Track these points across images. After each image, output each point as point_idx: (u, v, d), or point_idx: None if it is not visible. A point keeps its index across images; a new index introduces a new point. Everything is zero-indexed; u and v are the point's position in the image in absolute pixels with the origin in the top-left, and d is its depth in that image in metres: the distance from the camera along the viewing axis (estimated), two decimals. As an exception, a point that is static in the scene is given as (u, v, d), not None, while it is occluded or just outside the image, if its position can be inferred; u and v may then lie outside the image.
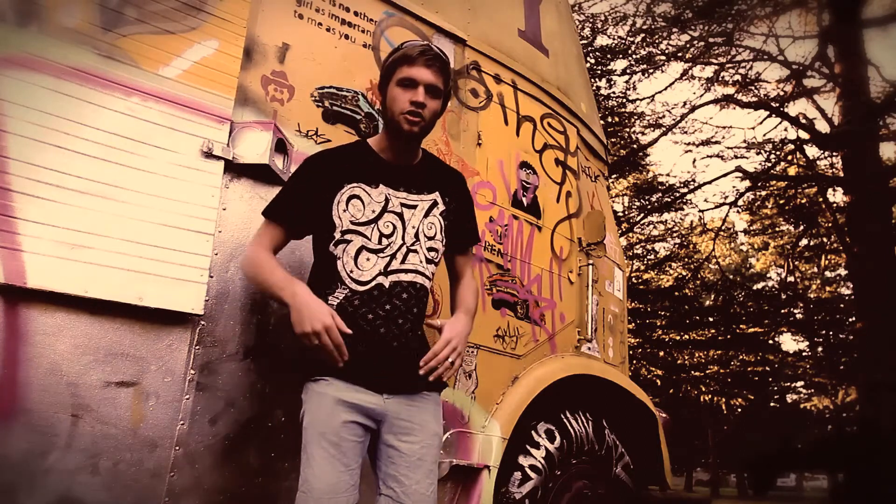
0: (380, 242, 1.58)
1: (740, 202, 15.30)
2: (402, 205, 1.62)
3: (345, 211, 1.58)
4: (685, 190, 14.94)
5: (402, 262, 1.58)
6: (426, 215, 1.65)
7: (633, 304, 15.43)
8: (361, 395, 1.51)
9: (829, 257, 17.71)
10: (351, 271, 1.55)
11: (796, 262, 17.84)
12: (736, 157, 14.48)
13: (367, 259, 1.56)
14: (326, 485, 1.42)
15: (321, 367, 1.52)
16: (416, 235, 1.62)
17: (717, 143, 14.64)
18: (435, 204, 1.67)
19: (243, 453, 1.74)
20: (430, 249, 1.63)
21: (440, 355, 1.55)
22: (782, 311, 17.87)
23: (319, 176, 1.61)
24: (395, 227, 1.60)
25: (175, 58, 1.76)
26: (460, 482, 2.22)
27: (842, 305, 18.38)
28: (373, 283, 1.55)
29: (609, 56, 13.92)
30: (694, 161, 22.25)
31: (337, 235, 1.57)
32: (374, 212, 1.59)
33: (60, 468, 1.47)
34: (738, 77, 14.92)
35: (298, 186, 1.63)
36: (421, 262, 1.61)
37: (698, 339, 17.44)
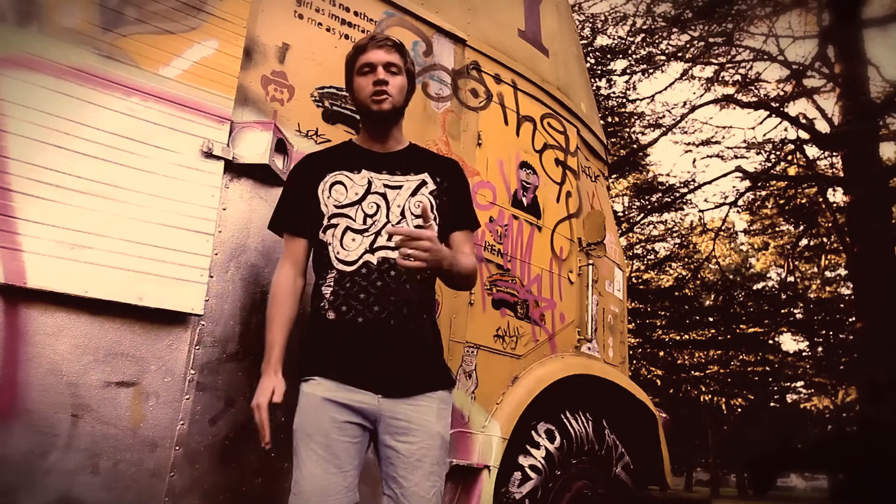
0: (364, 222, 1.59)
1: (740, 202, 15.31)
2: (386, 185, 1.63)
3: (329, 197, 1.62)
4: (685, 190, 14.94)
5: (389, 239, 1.55)
6: (413, 194, 1.63)
7: (633, 304, 15.43)
8: (353, 394, 1.48)
9: (829, 257, 17.71)
10: (338, 253, 1.57)
11: (796, 262, 17.84)
12: (736, 157, 14.49)
13: (353, 239, 1.58)
14: (316, 486, 1.41)
15: (310, 367, 1.52)
16: (402, 213, 1.60)
17: (717, 143, 14.64)
18: (424, 183, 1.65)
19: (243, 453, 1.74)
20: (419, 227, 1.52)
21: (416, 241, 1.37)
22: (782, 311, 17.87)
23: (304, 174, 1.67)
24: (378, 207, 1.61)
25: (175, 58, 1.76)
26: (460, 482, 2.22)
27: (842, 305, 18.38)
28: (360, 262, 1.55)
29: (609, 56, 13.92)
30: (694, 161, 22.28)
31: (325, 222, 1.61)
32: (356, 194, 1.61)
33: (60, 468, 1.47)
34: (738, 77, 14.93)
35: (288, 191, 1.70)
36: None
37: (698, 339, 17.43)
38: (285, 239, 1.68)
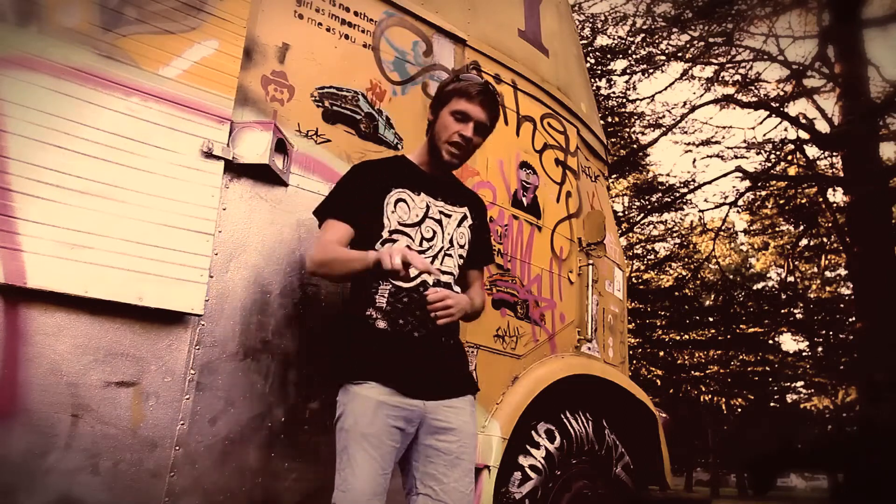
0: (421, 245, 1.68)
1: (740, 202, 15.31)
2: (441, 213, 1.75)
3: (393, 212, 1.68)
4: (685, 190, 14.94)
5: (441, 263, 1.69)
6: (458, 225, 1.77)
7: (633, 304, 15.43)
8: (405, 400, 1.55)
9: (829, 257, 17.71)
10: None
11: (796, 262, 17.84)
12: (736, 157, 14.49)
13: None
14: (367, 486, 1.45)
15: (363, 371, 1.56)
16: (451, 241, 1.74)
17: (717, 143, 14.64)
18: (465, 217, 1.80)
19: (243, 453, 1.74)
20: (460, 256, 1.76)
21: (444, 301, 1.57)
22: (782, 311, 17.87)
23: (370, 178, 1.71)
24: (435, 232, 1.72)
25: (175, 58, 1.76)
26: (460, 482, 2.21)
27: (842, 305, 18.37)
28: (417, 281, 1.63)
29: (609, 56, 13.92)
30: (694, 161, 22.22)
31: (384, 234, 1.66)
32: (417, 216, 1.70)
33: (60, 468, 1.47)
34: (738, 77, 14.93)
35: (351, 186, 1.71)
36: (455, 266, 1.73)
37: (698, 339, 17.44)
38: (332, 224, 1.67)
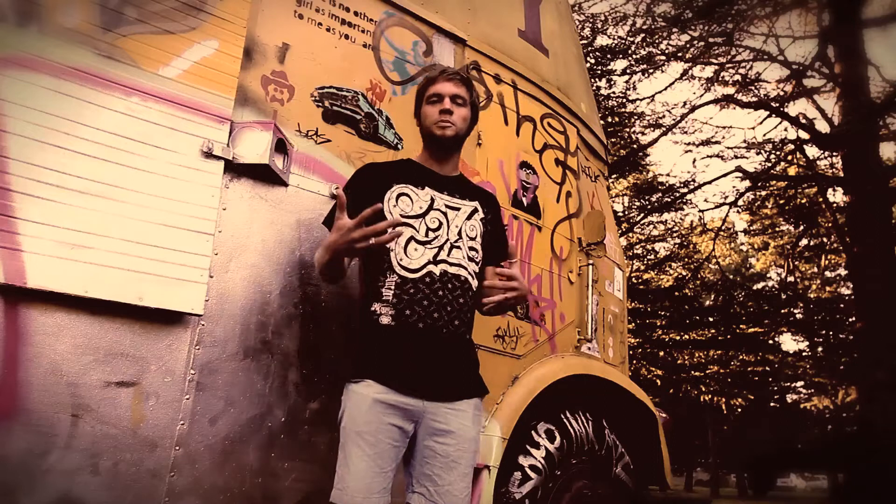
0: (426, 235, 1.68)
1: (740, 202, 15.30)
2: (447, 206, 1.75)
3: (395, 206, 1.69)
4: (685, 190, 14.94)
5: (448, 254, 1.68)
6: (468, 218, 1.77)
7: (633, 304, 15.43)
8: (402, 398, 1.54)
9: (829, 257, 17.71)
10: (401, 260, 1.64)
11: (796, 262, 17.84)
12: (736, 157, 14.48)
13: (416, 249, 1.66)
14: (362, 484, 1.46)
15: (363, 369, 1.57)
16: (459, 234, 1.73)
17: (717, 143, 14.63)
18: (476, 210, 1.80)
19: (243, 453, 1.74)
20: (471, 248, 1.74)
21: (510, 282, 1.64)
22: (782, 311, 17.86)
23: (370, 180, 1.74)
24: (440, 223, 1.72)
25: (175, 58, 1.76)
26: (460, 482, 2.22)
27: (842, 305, 18.37)
28: (424, 271, 1.64)
29: (609, 56, 13.92)
30: (694, 161, 22.19)
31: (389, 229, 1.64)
32: (421, 208, 1.71)
33: (60, 468, 1.47)
34: (738, 77, 14.91)
35: (353, 188, 1.73)
36: (464, 257, 1.72)
37: (698, 339, 17.43)
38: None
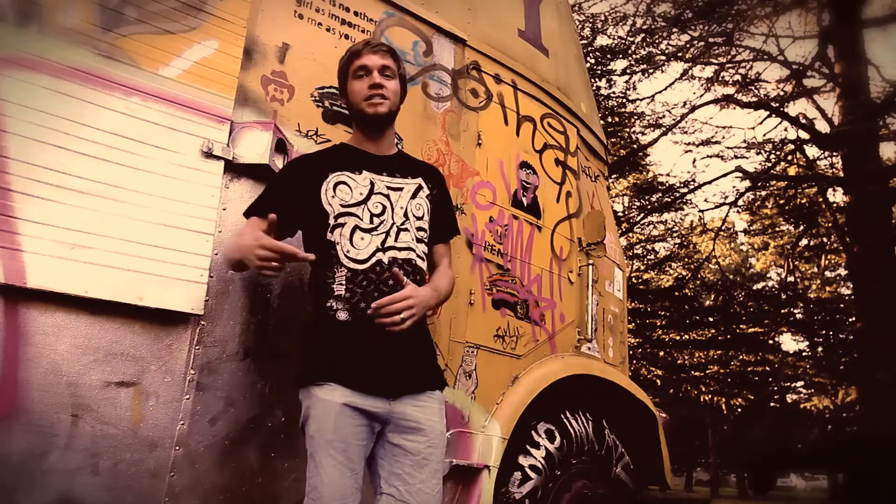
0: (371, 222, 1.62)
1: (740, 202, 15.28)
2: (388, 187, 1.67)
3: (333, 197, 1.62)
4: (685, 190, 14.92)
5: (396, 239, 1.62)
6: (413, 197, 1.70)
7: (633, 304, 15.42)
8: (369, 400, 1.51)
9: (829, 257, 17.70)
10: (348, 251, 1.58)
11: (796, 262, 17.83)
12: (736, 157, 14.45)
13: (362, 238, 1.60)
14: (336, 492, 1.44)
15: (323, 372, 1.52)
16: (406, 215, 1.66)
17: (717, 143, 14.59)
18: (420, 187, 1.73)
19: (243, 453, 1.74)
20: (419, 229, 1.68)
21: (394, 306, 1.50)
22: (782, 311, 17.84)
23: (302, 173, 1.67)
24: (384, 207, 1.64)
25: (175, 58, 1.76)
26: (460, 482, 2.22)
27: (842, 305, 18.35)
28: (372, 261, 1.58)
29: (609, 56, 13.90)
30: (694, 161, 22.21)
31: (332, 221, 1.60)
32: (361, 194, 1.64)
33: (60, 468, 1.47)
34: (738, 77, 14.90)
35: (281, 183, 1.68)
36: (413, 240, 1.66)
37: (698, 339, 17.41)
38: (253, 221, 1.61)
